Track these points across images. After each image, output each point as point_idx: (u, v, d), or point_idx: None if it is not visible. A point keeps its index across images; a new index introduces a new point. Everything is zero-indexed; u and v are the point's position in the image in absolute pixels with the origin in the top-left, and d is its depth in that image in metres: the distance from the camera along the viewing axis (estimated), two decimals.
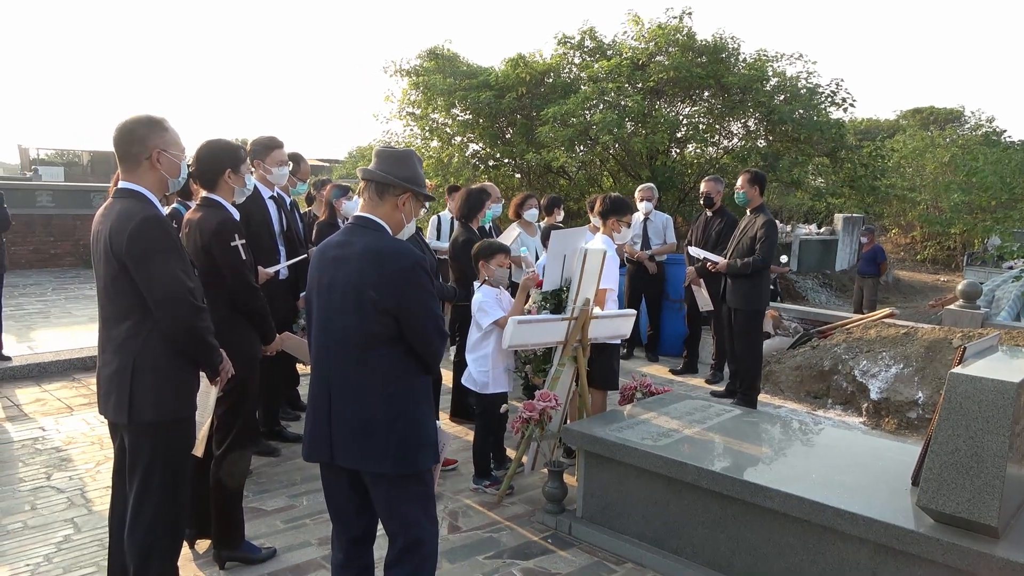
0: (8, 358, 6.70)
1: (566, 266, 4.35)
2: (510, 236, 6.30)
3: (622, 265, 7.54)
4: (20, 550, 3.52)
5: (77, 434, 5.13)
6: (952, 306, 7.18)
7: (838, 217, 18.99)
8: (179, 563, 2.81)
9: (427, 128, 14.02)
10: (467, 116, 13.42)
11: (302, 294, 5.04)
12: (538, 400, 4.03)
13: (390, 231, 2.50)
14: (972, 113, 28.61)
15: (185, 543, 3.35)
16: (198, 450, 2.95)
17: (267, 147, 4.53)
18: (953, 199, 18.05)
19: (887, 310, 7.93)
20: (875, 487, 3.15)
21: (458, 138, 13.81)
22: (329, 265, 2.47)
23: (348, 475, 2.50)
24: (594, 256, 4.23)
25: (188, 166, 3.09)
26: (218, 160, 3.21)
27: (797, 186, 13.15)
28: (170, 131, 2.65)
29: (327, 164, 30.31)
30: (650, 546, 3.55)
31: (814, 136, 11.63)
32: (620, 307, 4.98)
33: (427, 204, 3.24)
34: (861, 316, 7.97)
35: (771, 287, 12.77)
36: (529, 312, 4.35)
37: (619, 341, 4.76)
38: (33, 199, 13.19)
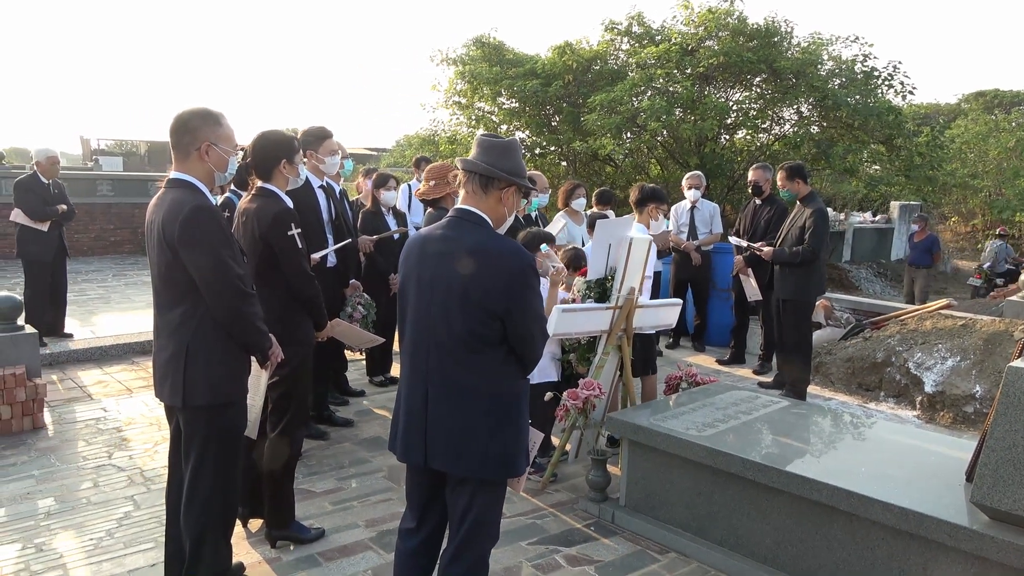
0: (70, 335, 7.08)
1: (611, 255, 4.33)
2: (556, 226, 6.30)
3: (667, 254, 7.48)
4: (84, 525, 3.68)
5: (136, 415, 5.33)
6: (1015, 297, 6.94)
7: (894, 205, 18.43)
8: (233, 541, 2.92)
9: (473, 117, 14.05)
10: (513, 104, 13.40)
11: (352, 281, 5.13)
12: (582, 388, 4.04)
13: (493, 225, 2.43)
14: None
15: (238, 522, 3.47)
16: (252, 432, 3.04)
17: (320, 137, 4.61)
18: (1019, 186, 17.35)
19: (944, 301, 7.69)
20: (927, 482, 3.08)
21: (504, 126, 13.80)
22: (431, 260, 2.38)
23: (432, 475, 2.46)
24: (639, 245, 4.21)
25: (244, 159, 3.17)
26: (274, 151, 3.29)
27: (851, 174, 12.79)
28: (224, 126, 2.71)
29: (374, 153, 30.64)
30: (694, 536, 3.54)
31: (870, 122, 11.29)
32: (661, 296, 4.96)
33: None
34: (916, 307, 7.75)
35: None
36: (573, 301, 4.35)
37: (653, 331, 4.76)
38: (94, 188, 13.68)
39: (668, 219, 4.86)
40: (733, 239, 6.51)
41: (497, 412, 2.36)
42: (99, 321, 8.05)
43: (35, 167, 6.97)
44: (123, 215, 13.78)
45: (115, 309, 8.79)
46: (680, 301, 4.68)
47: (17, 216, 6.77)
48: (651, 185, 4.87)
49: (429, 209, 5.08)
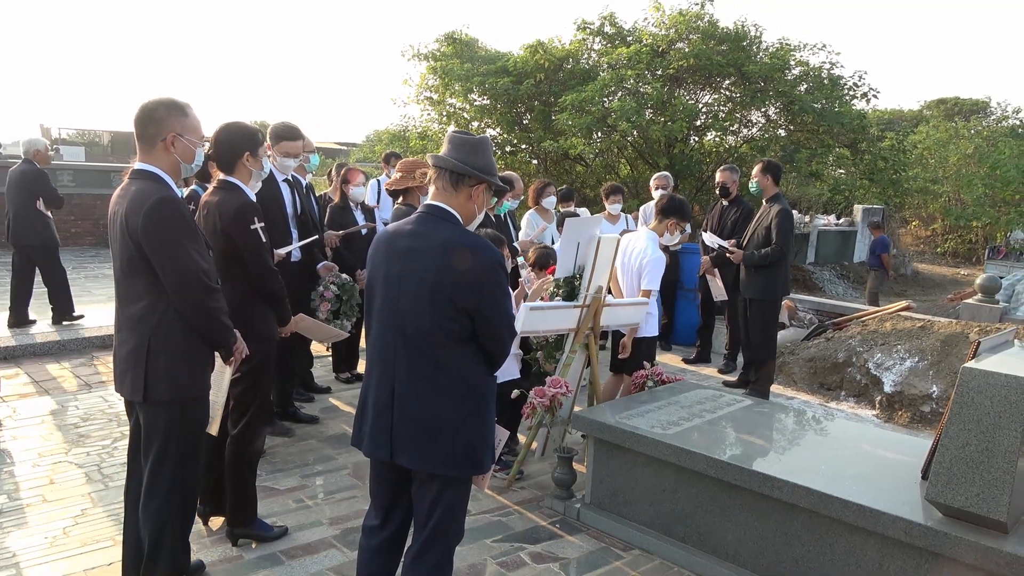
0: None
1: (580, 253, 4.35)
2: (535, 227, 6.29)
3: None
4: (39, 523, 3.59)
5: (95, 411, 5.21)
6: (970, 300, 7.11)
7: (857, 208, 18.78)
8: (192, 540, 2.87)
9: (444, 113, 14.02)
10: (485, 101, 13.41)
11: (325, 263, 5.12)
12: (549, 386, 4.05)
13: (463, 222, 2.42)
14: (998, 104, 28.33)
15: (199, 520, 3.42)
16: (213, 429, 2.99)
17: (280, 136, 4.54)
18: (976, 192, 17.80)
19: (903, 303, 7.86)
20: (885, 480, 3.14)
21: (475, 123, 13.79)
22: (400, 256, 2.36)
23: (397, 471, 2.44)
24: (608, 244, 4.23)
25: (206, 151, 3.12)
26: (236, 143, 3.23)
27: (816, 177, 13.02)
28: (190, 117, 2.67)
29: (345, 147, 30.39)
30: (658, 533, 3.57)
31: (835, 127, 11.50)
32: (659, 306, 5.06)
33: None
34: (877, 309, 7.91)
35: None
36: (541, 299, 4.36)
37: (656, 332, 4.82)
38: (54, 178, 13.29)
39: (683, 233, 4.93)
40: (706, 235, 6.57)
41: (464, 408, 2.36)
42: None
43: (33, 157, 7.17)
44: (85, 206, 13.47)
45: (75, 302, 8.57)
46: (647, 300, 4.72)
47: (42, 205, 7.05)
48: (680, 197, 4.90)
49: (397, 204, 5.06)
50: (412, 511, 2.51)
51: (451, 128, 2.91)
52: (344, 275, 5.17)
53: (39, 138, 7.38)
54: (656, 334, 4.94)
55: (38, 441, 4.63)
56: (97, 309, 8.10)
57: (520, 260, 5.36)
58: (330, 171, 7.50)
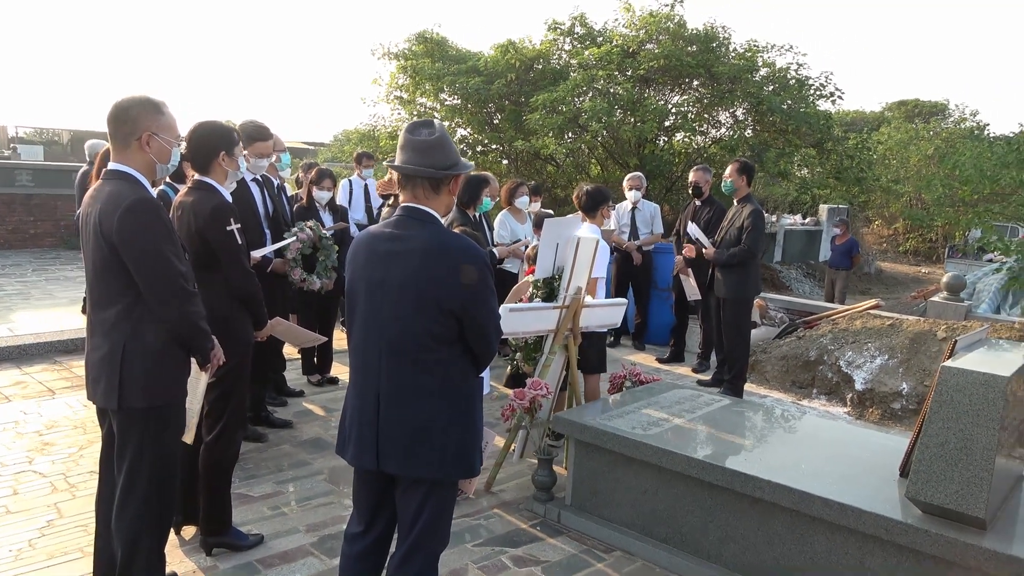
0: None
1: (558, 254, 4.33)
2: (507, 228, 6.25)
3: (611, 253, 7.53)
4: (3, 535, 3.47)
5: (59, 418, 5.06)
6: (936, 298, 7.26)
7: (823, 208, 19.11)
8: (166, 549, 2.79)
9: (414, 112, 13.92)
10: (455, 101, 13.33)
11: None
12: (528, 388, 4.03)
13: (442, 220, 2.39)
14: (956, 106, 29.04)
15: (171, 529, 3.32)
16: (188, 437, 2.91)
17: (252, 137, 4.44)
18: (935, 192, 18.20)
19: (873, 301, 7.99)
20: (863, 477, 3.17)
21: (446, 123, 13.70)
22: (382, 260, 2.32)
23: (382, 477, 2.40)
24: (587, 244, 4.22)
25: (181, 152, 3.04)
26: (212, 142, 3.16)
27: (783, 177, 13.19)
28: (166, 115, 2.59)
29: (312, 147, 30.03)
30: (639, 534, 3.57)
31: (802, 127, 11.66)
32: (607, 296, 5.00)
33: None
34: (847, 307, 8.03)
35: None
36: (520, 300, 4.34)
37: (606, 330, 4.78)
38: (12, 178, 12.96)
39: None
40: (691, 227, 6.55)
41: (453, 411, 2.32)
42: (18, 318, 7.63)
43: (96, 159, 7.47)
44: (45, 207, 13.09)
45: (36, 306, 8.34)
46: (625, 301, 4.72)
47: None
48: (596, 186, 4.89)
49: (387, 206, 5.02)
50: (396, 517, 2.46)
51: (403, 130, 2.79)
52: (327, 232, 5.24)
53: (102, 141, 7.76)
54: (606, 331, 4.87)
55: (0, 450, 4.48)
56: (60, 313, 7.89)
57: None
58: (297, 176, 7.42)
